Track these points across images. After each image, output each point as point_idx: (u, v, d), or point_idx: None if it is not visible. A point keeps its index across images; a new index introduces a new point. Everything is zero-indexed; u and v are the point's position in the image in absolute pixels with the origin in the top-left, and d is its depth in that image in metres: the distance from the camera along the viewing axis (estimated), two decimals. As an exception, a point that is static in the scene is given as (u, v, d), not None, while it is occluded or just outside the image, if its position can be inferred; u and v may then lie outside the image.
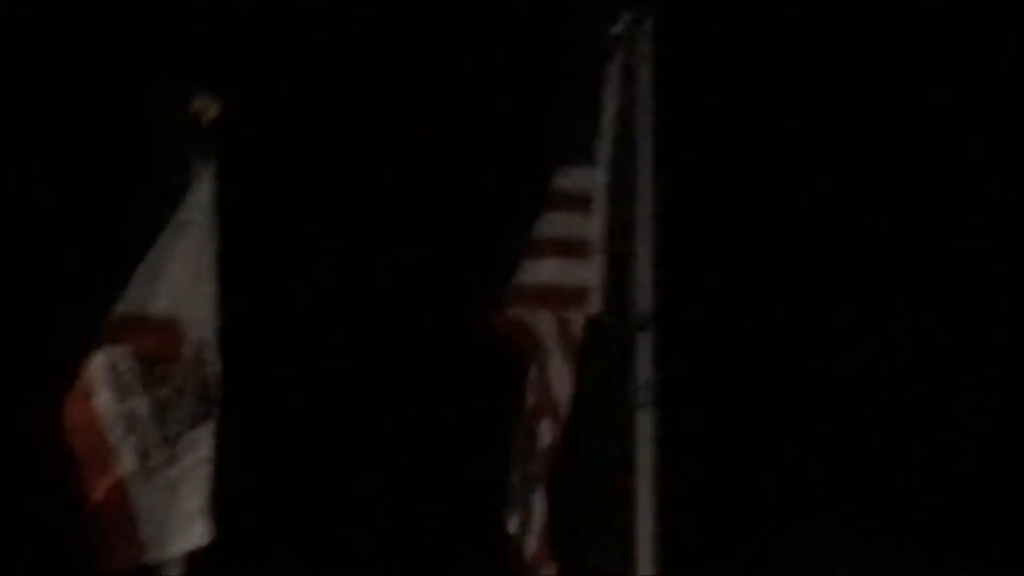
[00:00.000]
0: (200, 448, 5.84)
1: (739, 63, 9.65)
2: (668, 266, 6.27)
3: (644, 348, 6.16)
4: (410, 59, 9.96)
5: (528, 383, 6.06)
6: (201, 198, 6.34)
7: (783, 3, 9.77)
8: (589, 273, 6.20)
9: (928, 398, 10.20)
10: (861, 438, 9.91)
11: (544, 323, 6.09)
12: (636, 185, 6.25)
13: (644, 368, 6.15)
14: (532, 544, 5.91)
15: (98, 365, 6.08)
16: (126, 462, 5.95)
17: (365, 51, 10.09)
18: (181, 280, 6.16)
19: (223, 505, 5.92)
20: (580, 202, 6.22)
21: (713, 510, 9.19)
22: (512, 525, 5.96)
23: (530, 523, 5.94)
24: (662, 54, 6.34)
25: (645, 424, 6.11)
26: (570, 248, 6.20)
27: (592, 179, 6.20)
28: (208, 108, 6.46)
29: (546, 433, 6.04)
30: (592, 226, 6.21)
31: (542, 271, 6.13)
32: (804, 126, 9.99)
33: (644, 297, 6.20)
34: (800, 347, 9.74)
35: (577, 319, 6.07)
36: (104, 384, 6.06)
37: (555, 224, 6.20)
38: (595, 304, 6.17)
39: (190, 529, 5.78)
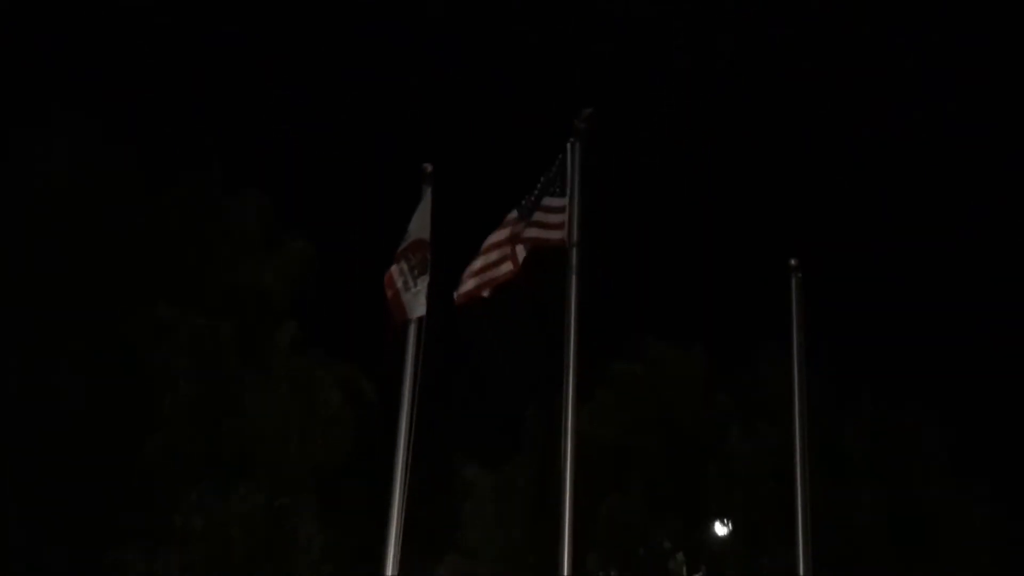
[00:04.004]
0: (423, 282, 17.43)
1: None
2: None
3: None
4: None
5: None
6: (426, 204, 18.19)
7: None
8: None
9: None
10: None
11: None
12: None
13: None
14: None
15: (394, 268, 18.01)
16: (403, 292, 17.69)
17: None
18: (424, 224, 17.96)
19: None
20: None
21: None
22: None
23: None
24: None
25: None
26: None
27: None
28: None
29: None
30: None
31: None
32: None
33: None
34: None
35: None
36: (397, 273, 17.89)
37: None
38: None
39: (419, 307, 17.41)
